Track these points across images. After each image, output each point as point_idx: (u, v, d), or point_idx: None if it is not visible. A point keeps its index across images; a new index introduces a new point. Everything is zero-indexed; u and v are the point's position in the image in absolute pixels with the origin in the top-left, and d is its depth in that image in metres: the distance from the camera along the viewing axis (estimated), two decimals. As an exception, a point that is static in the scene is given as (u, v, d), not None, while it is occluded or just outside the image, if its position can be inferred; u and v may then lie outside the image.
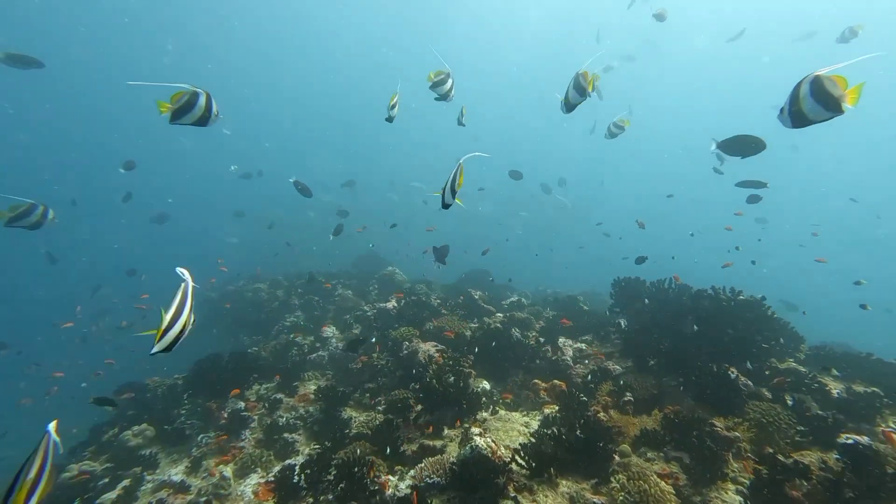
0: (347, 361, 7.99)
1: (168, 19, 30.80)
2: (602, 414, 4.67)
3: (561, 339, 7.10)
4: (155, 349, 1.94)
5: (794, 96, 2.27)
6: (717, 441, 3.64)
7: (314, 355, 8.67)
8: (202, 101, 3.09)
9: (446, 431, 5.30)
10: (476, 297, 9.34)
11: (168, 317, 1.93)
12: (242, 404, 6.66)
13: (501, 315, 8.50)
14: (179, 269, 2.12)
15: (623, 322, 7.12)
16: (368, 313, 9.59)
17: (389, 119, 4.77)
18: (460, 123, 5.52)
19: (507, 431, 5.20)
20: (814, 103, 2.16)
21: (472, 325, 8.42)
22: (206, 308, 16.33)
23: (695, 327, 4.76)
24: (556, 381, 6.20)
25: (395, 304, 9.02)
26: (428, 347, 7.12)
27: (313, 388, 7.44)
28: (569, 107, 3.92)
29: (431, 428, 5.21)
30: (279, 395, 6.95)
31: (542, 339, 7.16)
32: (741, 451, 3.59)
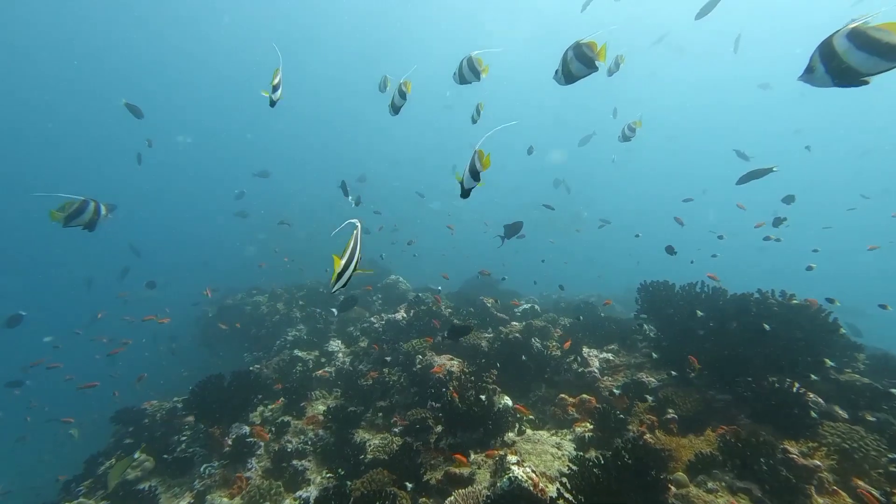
0: (356, 378, 7.52)
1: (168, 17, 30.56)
2: (649, 435, 4.24)
3: (585, 349, 6.68)
4: (334, 288, 2.27)
5: (829, 53, 2.10)
6: (793, 470, 3.23)
7: (320, 372, 8.19)
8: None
9: (472, 456, 4.84)
10: (489, 304, 8.92)
11: (343, 261, 2.26)
12: (247, 429, 6.17)
13: (518, 324, 8.07)
14: (351, 221, 2.44)
15: (651, 329, 6.72)
16: (376, 325, 9.13)
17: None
18: (475, 121, 5.18)
19: (539, 455, 4.76)
20: (866, 56, 1.98)
21: (487, 334, 7.99)
22: (202, 324, 15.79)
23: (766, 326, 4.29)
24: (584, 396, 5.77)
25: (405, 315, 8.58)
26: (444, 361, 6.67)
27: (322, 408, 6.96)
28: (568, 77, 3.45)
29: (457, 462, 4.75)
30: (286, 418, 6.47)
31: (564, 349, 6.73)
32: (824, 483, 3.18)
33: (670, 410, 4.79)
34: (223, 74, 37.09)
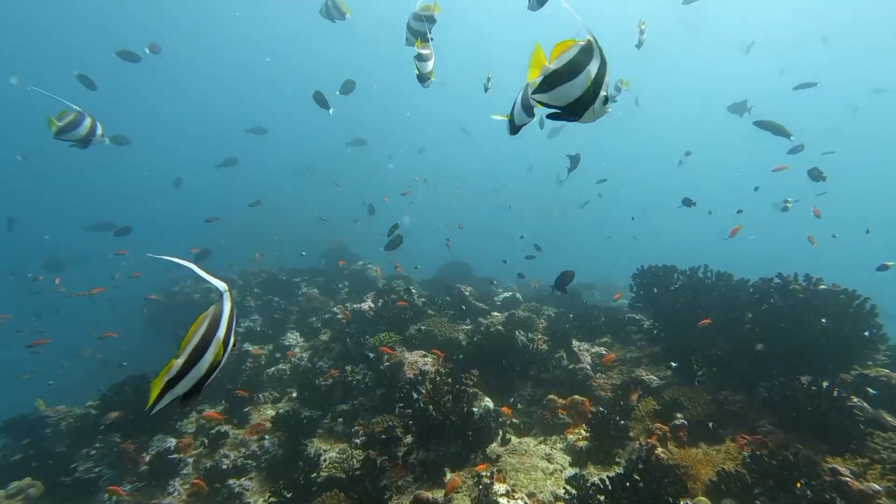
0: (314, 376, 6.51)
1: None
2: (660, 449, 3.54)
3: (575, 343, 5.97)
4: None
5: None
6: (846, 496, 2.60)
7: (273, 369, 7.11)
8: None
9: (448, 476, 3.99)
10: (466, 293, 8.07)
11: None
12: (173, 442, 5.05)
13: (500, 315, 7.28)
14: None
15: (646, 320, 6.09)
16: (339, 315, 8.09)
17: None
18: (486, 89, 4.72)
19: (527, 472, 3.98)
20: None
21: (465, 327, 7.16)
22: (147, 312, 14.18)
23: (823, 321, 3.62)
24: (576, 397, 5.05)
25: (372, 305, 7.59)
26: (416, 358, 5.78)
27: (271, 413, 5.92)
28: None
29: (433, 484, 3.89)
30: (225, 428, 5.38)
31: (551, 343, 5.99)
32: (890, 515, 2.57)
33: (678, 415, 4.12)
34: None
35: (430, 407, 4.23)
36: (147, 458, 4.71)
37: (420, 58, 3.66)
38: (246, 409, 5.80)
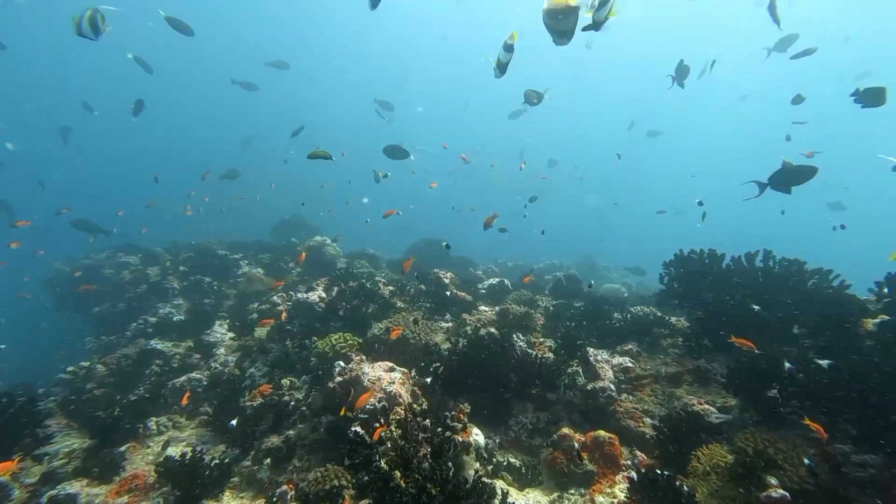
0: (237, 392, 4.73)
1: None
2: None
3: (591, 351, 4.51)
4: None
5: None
6: None
7: (183, 378, 5.22)
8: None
9: (426, 592, 2.43)
10: (446, 280, 6.41)
11: None
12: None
13: (489, 310, 5.70)
14: None
15: (679, 320, 4.72)
16: (280, 307, 6.22)
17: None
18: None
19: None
20: None
21: (446, 324, 5.54)
22: (54, 286, 11.58)
23: None
24: (601, 434, 3.61)
25: (324, 295, 5.78)
26: (380, 373, 4.11)
27: (167, 452, 4.11)
28: None
29: None
30: (75, 486, 3.52)
31: (563, 353, 4.50)
32: None
33: (772, 479, 2.76)
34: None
35: (398, 474, 2.60)
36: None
37: (508, 48, 3.13)
38: (122, 449, 3.95)
